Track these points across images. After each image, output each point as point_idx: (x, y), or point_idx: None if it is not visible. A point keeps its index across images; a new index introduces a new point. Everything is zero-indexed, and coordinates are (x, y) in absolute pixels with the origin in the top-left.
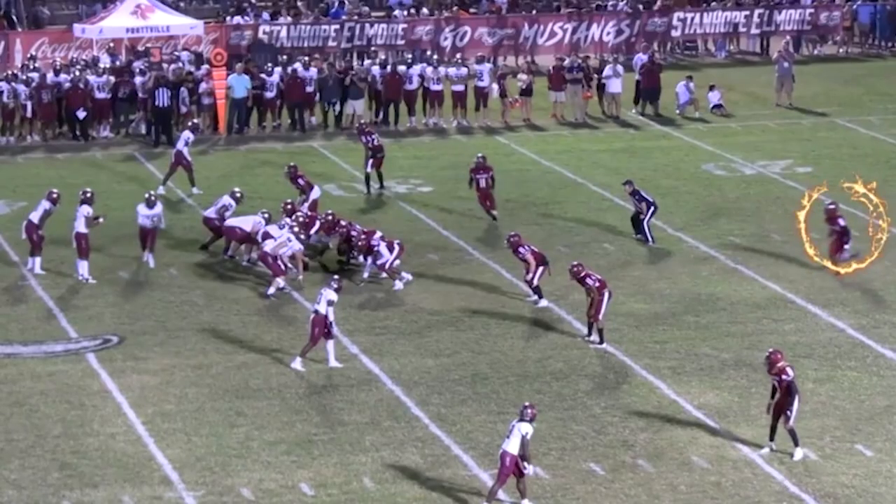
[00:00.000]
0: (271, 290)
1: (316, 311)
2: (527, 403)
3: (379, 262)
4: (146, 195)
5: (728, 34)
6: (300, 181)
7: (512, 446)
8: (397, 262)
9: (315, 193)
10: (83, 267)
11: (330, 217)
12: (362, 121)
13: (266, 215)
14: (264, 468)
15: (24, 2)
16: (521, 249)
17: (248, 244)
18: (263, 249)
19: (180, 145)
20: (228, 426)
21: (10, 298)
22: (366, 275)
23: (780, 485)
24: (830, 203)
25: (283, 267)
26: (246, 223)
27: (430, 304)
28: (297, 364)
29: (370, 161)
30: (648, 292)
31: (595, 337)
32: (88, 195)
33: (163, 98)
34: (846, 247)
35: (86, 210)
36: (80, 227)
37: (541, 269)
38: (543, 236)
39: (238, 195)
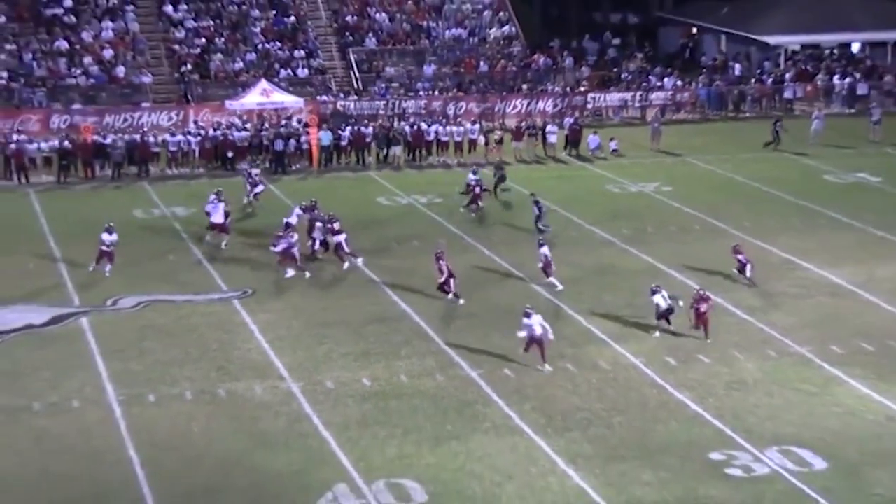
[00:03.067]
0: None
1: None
2: None
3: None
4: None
5: (621, 106)
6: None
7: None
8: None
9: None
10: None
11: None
12: (499, 159)
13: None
14: (340, 369)
15: (193, 86)
16: (440, 262)
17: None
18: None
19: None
20: (318, 344)
21: (188, 266)
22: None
23: (652, 379)
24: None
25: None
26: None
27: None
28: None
29: (498, 182)
30: (571, 263)
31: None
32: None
33: (279, 145)
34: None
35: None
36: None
37: (452, 280)
38: (511, 231)
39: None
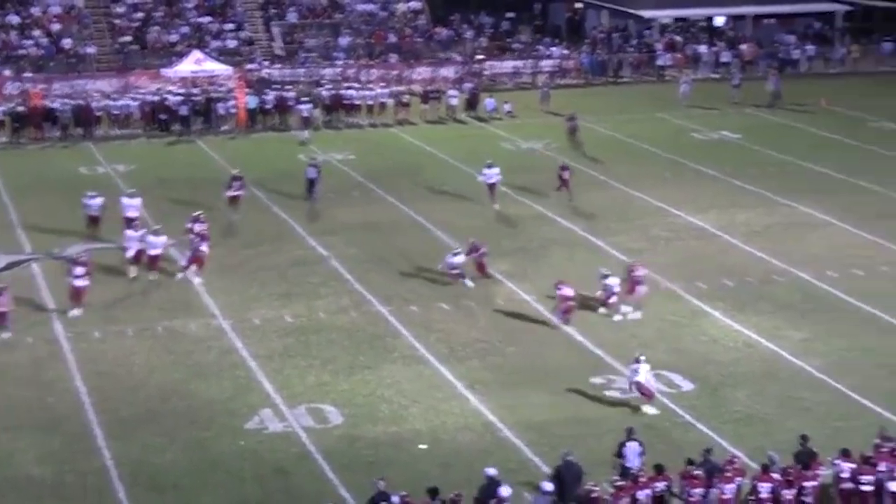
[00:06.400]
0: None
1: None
2: None
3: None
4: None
5: (514, 73)
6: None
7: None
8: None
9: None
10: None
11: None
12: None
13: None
14: (266, 308)
15: (133, 56)
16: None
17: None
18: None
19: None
20: (248, 286)
21: None
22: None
23: (541, 313)
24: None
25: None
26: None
27: (349, 217)
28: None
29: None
30: (474, 213)
31: None
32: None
33: (214, 108)
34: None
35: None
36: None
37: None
38: (417, 175)
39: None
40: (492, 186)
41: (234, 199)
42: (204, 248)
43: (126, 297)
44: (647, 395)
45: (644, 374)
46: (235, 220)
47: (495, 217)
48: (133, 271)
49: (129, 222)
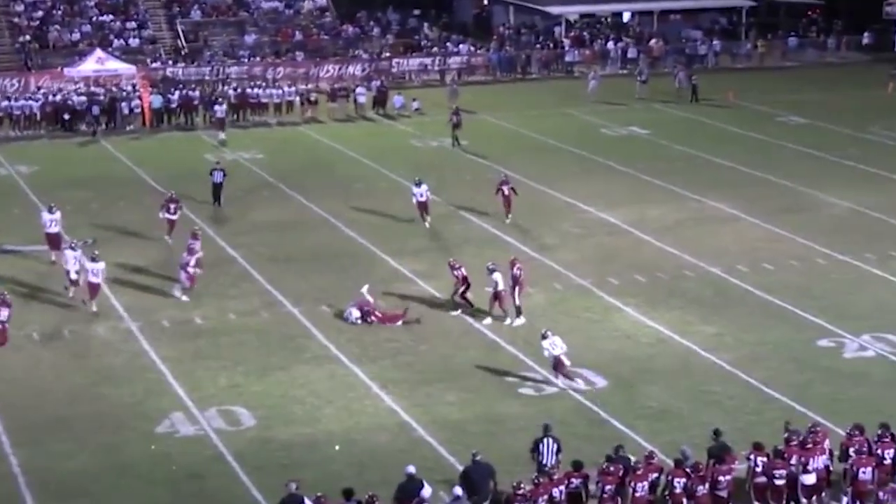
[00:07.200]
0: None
1: None
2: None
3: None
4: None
5: (422, 70)
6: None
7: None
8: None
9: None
10: None
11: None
12: (454, 106)
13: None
14: (175, 310)
15: (33, 55)
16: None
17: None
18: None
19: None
20: (153, 287)
21: (33, 219)
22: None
23: (447, 311)
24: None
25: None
26: None
27: (259, 217)
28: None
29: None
30: (381, 210)
31: None
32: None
33: (118, 108)
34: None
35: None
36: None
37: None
38: (327, 173)
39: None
40: (423, 205)
41: (171, 224)
42: (192, 265)
43: (31, 300)
44: (562, 367)
45: (560, 346)
46: (170, 243)
47: (407, 215)
48: (73, 292)
49: (55, 239)
